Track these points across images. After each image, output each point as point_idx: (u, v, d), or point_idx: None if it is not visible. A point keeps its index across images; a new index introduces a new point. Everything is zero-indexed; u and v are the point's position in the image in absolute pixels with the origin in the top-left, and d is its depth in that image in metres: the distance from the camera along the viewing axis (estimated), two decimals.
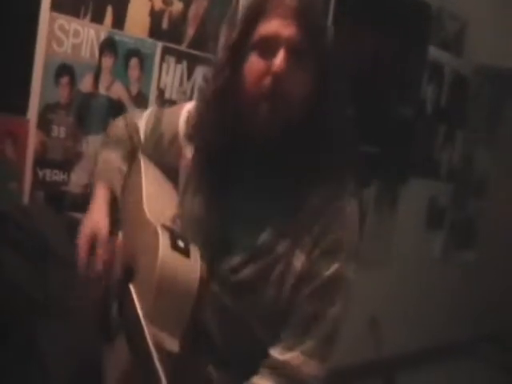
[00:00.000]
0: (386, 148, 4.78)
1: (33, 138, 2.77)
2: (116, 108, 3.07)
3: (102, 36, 2.98)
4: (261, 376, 1.82)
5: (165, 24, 3.21)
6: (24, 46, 2.72)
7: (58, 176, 2.90)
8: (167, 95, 3.28)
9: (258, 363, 1.83)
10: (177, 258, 1.76)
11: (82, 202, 2.87)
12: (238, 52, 1.82)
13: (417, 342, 5.37)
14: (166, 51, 3.23)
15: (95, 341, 2.09)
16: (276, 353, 1.82)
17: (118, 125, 2.29)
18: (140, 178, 2.13)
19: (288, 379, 1.81)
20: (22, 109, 2.74)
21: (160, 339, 1.68)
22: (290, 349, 1.82)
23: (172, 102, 3.29)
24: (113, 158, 2.20)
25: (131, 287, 1.83)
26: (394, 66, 4.76)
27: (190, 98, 3.38)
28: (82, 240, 1.97)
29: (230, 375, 1.88)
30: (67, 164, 2.95)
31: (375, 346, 4.70)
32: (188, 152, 2.01)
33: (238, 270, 1.85)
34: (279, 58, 1.71)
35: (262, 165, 1.81)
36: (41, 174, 2.84)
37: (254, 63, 1.77)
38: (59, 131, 2.86)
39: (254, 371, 1.82)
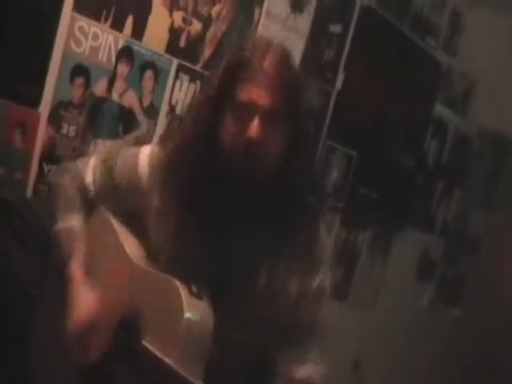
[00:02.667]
0: (385, 195, 4.73)
1: (42, 132, 2.74)
2: (127, 116, 3.06)
3: (121, 43, 2.96)
4: None
5: (182, 42, 3.20)
6: (43, 41, 2.69)
7: None
8: (178, 111, 3.24)
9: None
10: (195, 304, 1.78)
11: None
12: (215, 107, 1.86)
13: None
14: (180, 69, 3.22)
15: None
16: (290, 370, 1.93)
17: (64, 185, 2.19)
18: (111, 228, 2.10)
19: None
20: (35, 102, 2.71)
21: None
22: (299, 362, 1.92)
23: (182, 119, 3.24)
24: (73, 226, 2.14)
25: (146, 344, 1.79)
26: (400, 116, 4.73)
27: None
28: (77, 328, 1.94)
29: None
30: None
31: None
32: (153, 197, 1.97)
33: (242, 309, 1.87)
34: (254, 126, 1.76)
35: (240, 210, 1.83)
36: (47, 168, 2.80)
37: (229, 124, 1.82)
38: (69, 129, 2.83)
39: None
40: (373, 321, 4.92)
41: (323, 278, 1.98)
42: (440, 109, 5.13)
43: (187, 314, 1.75)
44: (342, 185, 4.29)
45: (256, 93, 1.80)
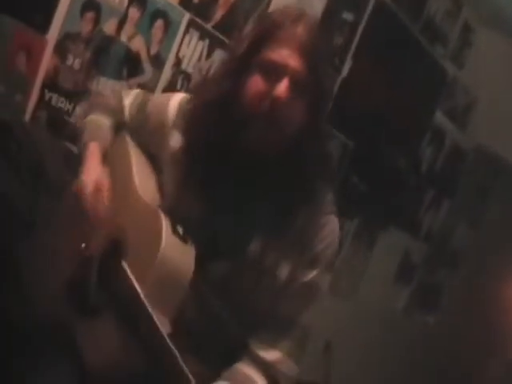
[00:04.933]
0: (375, 189, 4.68)
1: (47, 59, 2.71)
2: (133, 60, 3.01)
3: None
4: (244, 364, 1.85)
5: None
6: None
7: (63, 104, 2.83)
8: (183, 66, 3.21)
9: (233, 355, 1.86)
10: (176, 242, 1.75)
11: None
12: (243, 65, 1.81)
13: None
14: (191, 24, 3.16)
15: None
16: (258, 349, 1.85)
17: (106, 96, 2.24)
18: (127, 153, 2.08)
19: (268, 375, 1.85)
20: (43, 28, 2.67)
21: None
22: (270, 346, 1.85)
23: (187, 75, 3.21)
24: (103, 124, 2.14)
25: (124, 264, 1.78)
26: (400, 115, 4.67)
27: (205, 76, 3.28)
28: (89, 190, 1.92)
29: (204, 363, 1.84)
30: (75, 96, 2.86)
31: (324, 371, 4.58)
32: (174, 142, 1.95)
33: (224, 273, 1.83)
34: (282, 86, 1.72)
35: (251, 176, 1.79)
36: (47, 96, 2.76)
37: (256, 83, 1.77)
38: (74, 62, 2.79)
39: (227, 362, 1.84)
40: (348, 310, 4.86)
41: (318, 276, 1.89)
42: (440, 117, 5.07)
43: (163, 250, 1.72)
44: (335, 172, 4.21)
45: (288, 55, 1.76)
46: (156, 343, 1.66)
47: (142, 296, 1.70)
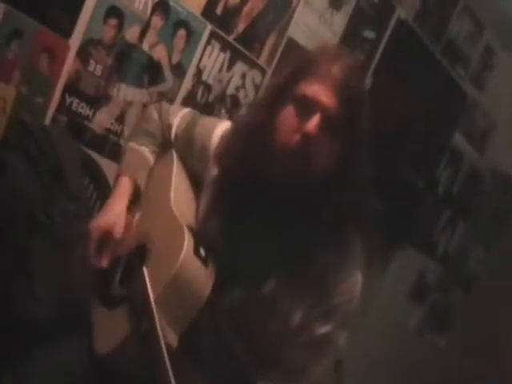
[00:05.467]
0: (391, 208, 4.64)
1: (70, 64, 2.73)
2: (154, 68, 3.04)
3: None
4: None
5: (219, 10, 3.17)
6: None
7: (83, 109, 2.84)
8: (204, 77, 3.22)
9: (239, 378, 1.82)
10: (196, 263, 1.75)
11: (100, 144, 2.79)
12: (278, 97, 1.80)
13: None
14: (213, 35, 3.17)
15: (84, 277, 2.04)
16: None
17: (152, 116, 2.19)
18: (171, 169, 2.08)
19: None
20: (67, 32, 2.69)
21: (162, 328, 1.65)
22: None
23: (207, 86, 3.22)
24: (142, 150, 2.13)
25: (145, 270, 1.79)
26: (418, 135, 4.66)
27: (225, 88, 3.30)
28: (96, 233, 1.91)
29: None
30: (95, 102, 2.88)
31: None
32: (214, 169, 1.94)
33: (236, 306, 1.80)
34: (313, 122, 1.70)
35: (276, 210, 1.76)
36: (68, 100, 2.78)
37: (288, 116, 1.76)
38: (96, 68, 2.80)
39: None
40: (361, 329, 4.80)
41: (332, 331, 1.82)
42: (459, 139, 5.04)
43: (179, 266, 1.72)
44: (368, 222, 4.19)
45: (322, 91, 1.74)
46: (153, 350, 1.64)
47: (152, 303, 1.70)
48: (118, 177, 2.05)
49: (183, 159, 2.11)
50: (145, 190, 2.07)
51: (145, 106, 2.86)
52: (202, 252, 1.77)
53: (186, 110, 2.22)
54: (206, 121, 2.15)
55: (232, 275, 1.79)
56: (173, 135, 2.14)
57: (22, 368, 1.87)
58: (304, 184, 1.74)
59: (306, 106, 1.74)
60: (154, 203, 2.02)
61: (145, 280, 1.76)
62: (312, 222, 1.76)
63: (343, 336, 1.83)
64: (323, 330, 1.80)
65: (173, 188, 2.01)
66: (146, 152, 2.13)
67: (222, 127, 2.03)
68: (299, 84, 1.77)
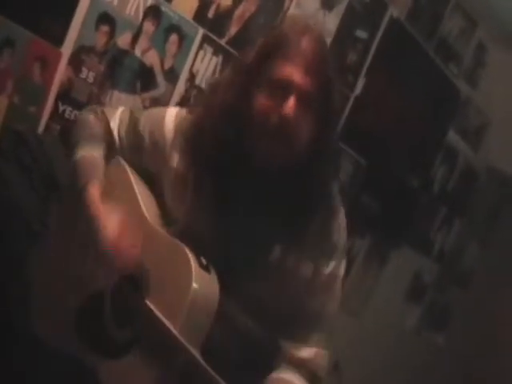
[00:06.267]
0: (387, 208, 4.66)
1: (62, 72, 2.71)
2: (146, 74, 3.02)
3: (149, 1, 2.92)
4: (281, 371, 1.85)
5: (211, 14, 3.16)
6: None
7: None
8: (197, 81, 3.21)
9: (265, 367, 1.85)
10: (204, 275, 1.73)
11: None
12: (250, 79, 1.80)
13: None
14: (205, 39, 3.17)
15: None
16: (293, 350, 1.86)
17: (92, 121, 2.13)
18: (128, 180, 2.01)
19: (307, 372, 1.86)
20: (58, 40, 2.68)
21: None
22: (304, 343, 1.87)
23: (200, 90, 3.21)
24: (95, 156, 2.05)
25: (149, 302, 1.75)
26: (413, 134, 4.66)
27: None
28: (114, 244, 1.84)
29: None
30: None
31: None
32: (176, 163, 1.92)
33: (250, 284, 1.82)
34: (290, 104, 1.72)
35: (262, 190, 1.78)
36: (61, 108, 2.77)
37: (263, 100, 1.76)
38: (88, 75, 2.79)
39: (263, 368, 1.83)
40: (358, 329, 4.83)
41: (337, 265, 1.92)
42: (453, 137, 5.04)
43: (195, 285, 1.69)
44: (345, 189, 4.19)
45: (294, 72, 1.76)
46: (197, 374, 1.62)
47: (174, 331, 1.67)
48: (82, 189, 1.94)
49: (133, 159, 2.07)
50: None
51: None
52: (204, 261, 1.75)
53: (121, 110, 2.18)
54: (149, 115, 2.12)
55: (231, 261, 1.81)
56: (116, 138, 2.10)
57: None
58: (286, 162, 1.77)
59: (280, 89, 1.75)
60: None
61: (153, 312, 1.72)
62: (299, 192, 1.81)
63: (344, 265, 1.94)
64: (329, 268, 1.89)
65: (140, 201, 1.96)
66: (100, 158, 2.06)
67: (170, 116, 2.02)
68: (271, 64, 1.78)
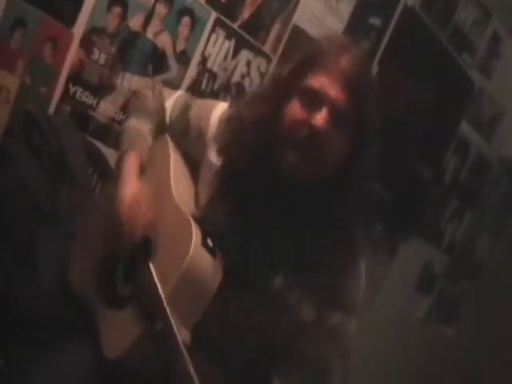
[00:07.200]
0: (398, 197, 4.63)
1: (73, 53, 2.70)
2: (158, 56, 3.02)
3: None
4: None
5: None
6: None
7: (87, 99, 2.82)
8: (209, 65, 3.20)
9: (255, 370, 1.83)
10: (204, 255, 1.74)
11: (104, 133, 2.78)
12: (285, 89, 1.80)
13: None
14: (218, 23, 3.16)
15: None
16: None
17: (148, 97, 2.19)
18: (167, 155, 2.08)
19: None
20: (70, 21, 2.67)
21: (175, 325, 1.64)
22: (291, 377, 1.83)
23: (212, 74, 3.20)
24: (142, 129, 2.10)
25: (151, 265, 1.79)
26: (425, 123, 4.63)
27: (230, 76, 3.30)
28: (127, 207, 1.88)
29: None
30: (99, 91, 2.86)
31: (341, 381, 4.51)
32: (212, 154, 1.94)
33: (245, 299, 1.81)
34: (321, 116, 1.71)
35: (283, 203, 1.77)
36: (72, 89, 2.76)
37: (295, 110, 1.76)
38: (99, 56, 2.79)
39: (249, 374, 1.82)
40: (367, 319, 4.79)
41: (345, 320, 1.88)
42: (465, 127, 5.01)
43: (189, 257, 1.72)
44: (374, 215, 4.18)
45: (329, 84, 1.76)
46: (169, 345, 1.65)
47: (163, 298, 1.69)
48: (122, 154, 2.02)
49: (178, 143, 2.11)
50: (146, 179, 2.03)
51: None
52: (210, 243, 1.76)
53: (179, 93, 2.22)
54: (202, 104, 2.15)
55: (239, 269, 1.79)
56: (167, 118, 2.14)
57: (26, 371, 1.85)
58: (313, 178, 1.75)
59: (314, 99, 1.75)
60: (155, 193, 1.99)
61: (153, 277, 1.75)
62: (321, 217, 1.77)
63: (353, 324, 1.87)
64: (334, 320, 1.83)
65: (172, 176, 2.00)
66: (145, 131, 2.11)
67: (218, 110, 2.03)
68: (306, 76, 1.77)
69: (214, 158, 1.97)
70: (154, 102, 2.20)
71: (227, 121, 1.97)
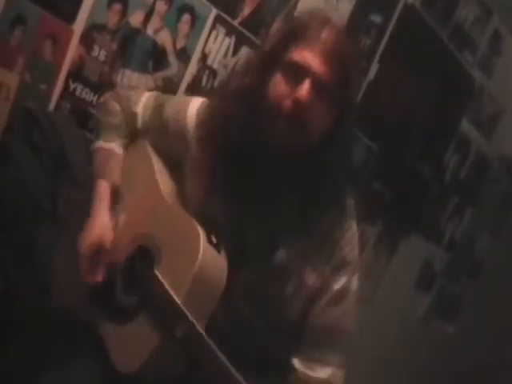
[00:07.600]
0: (398, 195, 4.63)
1: (73, 49, 2.70)
2: (158, 53, 3.01)
3: None
4: None
5: None
6: None
7: (87, 95, 2.81)
8: (209, 62, 3.20)
9: (271, 371, 1.85)
10: (212, 252, 1.76)
11: None
12: (267, 64, 1.82)
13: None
14: (218, 20, 3.15)
15: None
16: (307, 370, 1.87)
17: (113, 108, 2.19)
18: (149, 161, 2.09)
19: None
20: (70, 17, 2.66)
21: None
22: (318, 362, 1.86)
23: (212, 71, 3.19)
24: (111, 147, 2.13)
25: (157, 272, 1.80)
26: (425, 122, 4.62)
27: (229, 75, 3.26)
28: (86, 249, 1.91)
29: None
30: (99, 87, 2.85)
31: None
32: (196, 148, 1.95)
33: (251, 280, 1.82)
34: (304, 88, 1.73)
35: (275, 176, 1.79)
36: (72, 86, 2.76)
37: (279, 83, 1.78)
38: (99, 53, 2.78)
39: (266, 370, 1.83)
40: (366, 317, 4.80)
41: (348, 281, 1.91)
42: (466, 125, 5.00)
43: (201, 257, 1.73)
44: (357, 175, 4.17)
45: (311, 58, 1.77)
46: (196, 348, 1.66)
47: (179, 303, 1.70)
48: (94, 182, 2.04)
49: (156, 145, 2.12)
50: (123, 189, 2.05)
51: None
52: (214, 239, 1.78)
53: (147, 95, 2.22)
54: (175, 101, 2.17)
55: (240, 252, 1.81)
56: (139, 123, 2.14)
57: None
58: (300, 149, 1.77)
59: (296, 72, 1.77)
60: (144, 201, 2.01)
61: (163, 284, 1.75)
62: (311, 183, 1.80)
63: (356, 283, 1.92)
64: (340, 283, 1.88)
65: (159, 181, 2.01)
66: (116, 148, 2.13)
67: (194, 106, 2.05)
68: (289, 50, 1.79)
69: (197, 151, 1.98)
70: (122, 111, 2.21)
71: (208, 105, 2.00)
